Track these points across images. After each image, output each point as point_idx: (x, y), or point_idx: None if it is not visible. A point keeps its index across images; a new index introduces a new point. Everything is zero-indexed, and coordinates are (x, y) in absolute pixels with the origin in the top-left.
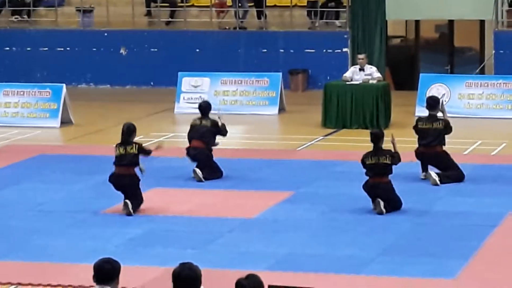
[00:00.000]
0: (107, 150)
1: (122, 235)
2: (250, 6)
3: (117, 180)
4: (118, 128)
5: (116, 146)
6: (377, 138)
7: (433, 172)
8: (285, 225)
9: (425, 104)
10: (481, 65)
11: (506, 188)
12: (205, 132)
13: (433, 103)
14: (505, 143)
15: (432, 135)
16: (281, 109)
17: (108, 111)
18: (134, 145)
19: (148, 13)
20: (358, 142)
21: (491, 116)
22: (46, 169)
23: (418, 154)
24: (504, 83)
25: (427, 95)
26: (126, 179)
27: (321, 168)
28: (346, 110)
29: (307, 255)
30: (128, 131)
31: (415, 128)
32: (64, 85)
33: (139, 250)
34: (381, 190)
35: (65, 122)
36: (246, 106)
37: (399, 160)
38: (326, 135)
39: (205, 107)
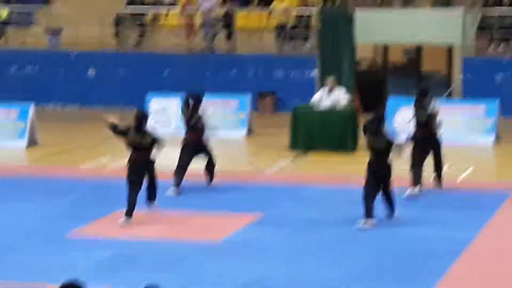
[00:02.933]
0: (74, 171)
1: (89, 258)
2: (219, 29)
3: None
4: (85, 149)
5: (129, 133)
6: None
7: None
8: (253, 247)
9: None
10: (449, 90)
11: (472, 213)
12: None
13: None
14: (472, 168)
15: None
16: (250, 132)
17: (75, 132)
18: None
19: (117, 35)
20: (325, 164)
21: (459, 140)
22: (13, 190)
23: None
24: (471, 108)
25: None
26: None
27: (288, 190)
28: (314, 132)
29: (274, 279)
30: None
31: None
32: (32, 105)
33: (106, 273)
34: None
35: (32, 142)
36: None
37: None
38: (294, 158)
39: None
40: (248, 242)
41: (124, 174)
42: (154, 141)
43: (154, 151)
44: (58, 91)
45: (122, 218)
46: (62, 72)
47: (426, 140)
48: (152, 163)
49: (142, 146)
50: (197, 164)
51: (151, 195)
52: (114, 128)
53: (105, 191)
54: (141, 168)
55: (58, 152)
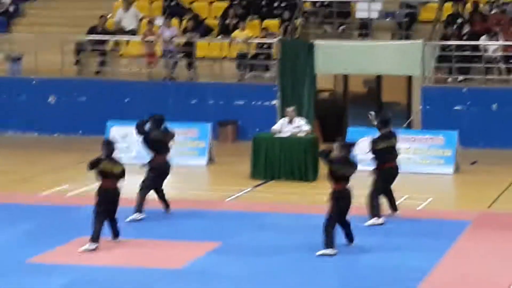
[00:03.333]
0: (32, 198)
1: (46, 285)
2: (180, 57)
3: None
4: (43, 176)
5: (100, 161)
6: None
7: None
8: (212, 275)
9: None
10: (408, 120)
11: (431, 242)
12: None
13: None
14: (431, 198)
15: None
16: (210, 160)
17: (34, 159)
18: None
19: (77, 62)
20: (286, 194)
21: (418, 170)
22: None
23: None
24: (430, 138)
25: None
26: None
27: (249, 219)
28: (275, 162)
29: None
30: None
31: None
32: None
33: None
34: None
35: None
36: (175, 156)
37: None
38: (254, 187)
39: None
40: (208, 270)
41: (84, 201)
42: (123, 170)
43: (121, 180)
44: (17, 118)
45: (87, 244)
46: (22, 99)
47: (392, 170)
48: (119, 192)
49: (113, 174)
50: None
51: (116, 231)
52: (92, 165)
53: (65, 218)
54: (110, 196)
55: (17, 179)
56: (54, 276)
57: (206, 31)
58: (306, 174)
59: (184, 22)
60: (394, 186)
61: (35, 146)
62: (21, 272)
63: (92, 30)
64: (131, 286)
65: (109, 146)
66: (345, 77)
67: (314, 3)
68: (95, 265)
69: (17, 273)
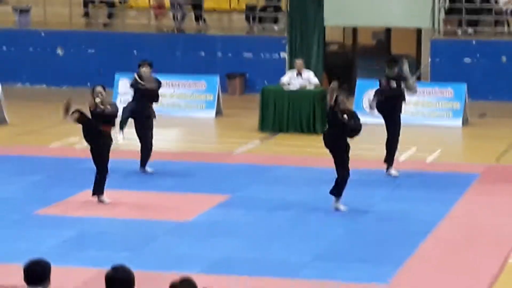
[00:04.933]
0: (41, 150)
1: (55, 237)
2: (188, 9)
3: None
4: (53, 129)
5: None
6: None
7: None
8: (220, 228)
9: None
10: (417, 72)
11: (440, 195)
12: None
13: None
14: (440, 150)
15: None
16: (218, 113)
17: (43, 111)
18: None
19: (86, 14)
20: (295, 146)
21: (427, 123)
22: None
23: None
24: (439, 91)
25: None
26: None
27: (257, 172)
28: (283, 114)
29: (242, 259)
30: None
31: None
32: None
33: (72, 252)
34: None
35: (0, 122)
36: (183, 109)
37: None
38: (263, 139)
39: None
40: (216, 223)
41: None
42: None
43: None
44: (26, 70)
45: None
46: (30, 51)
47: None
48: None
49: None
50: (168, 143)
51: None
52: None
53: (73, 170)
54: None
55: (27, 131)
56: (62, 228)
57: None
58: (315, 126)
59: None
60: (403, 138)
61: (44, 98)
62: (29, 224)
63: None
64: (139, 238)
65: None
66: (354, 30)
67: None
68: (103, 217)
69: (24, 225)
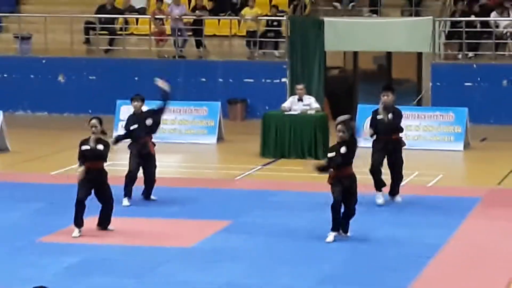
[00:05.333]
0: (44, 178)
1: (58, 264)
2: (189, 35)
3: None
4: (55, 155)
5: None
6: None
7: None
8: (223, 254)
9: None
10: (419, 97)
11: (442, 219)
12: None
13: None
14: (442, 174)
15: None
16: (220, 138)
17: (45, 138)
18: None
19: (87, 41)
20: (296, 172)
21: (428, 147)
22: None
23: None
24: (441, 115)
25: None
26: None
27: (259, 197)
28: (285, 140)
29: (245, 285)
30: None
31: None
32: (0, 112)
33: (75, 279)
34: None
35: (1, 149)
36: (184, 135)
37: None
38: (264, 165)
39: None
40: (218, 249)
41: None
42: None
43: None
44: (27, 97)
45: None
46: (31, 79)
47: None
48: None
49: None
50: (169, 169)
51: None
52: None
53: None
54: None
55: (28, 158)
56: (65, 255)
57: (215, 9)
58: (316, 152)
59: (193, 0)
60: (405, 162)
61: (45, 125)
62: (32, 251)
63: (101, 9)
64: (143, 265)
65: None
66: (355, 54)
67: None
68: (106, 244)
69: (28, 252)
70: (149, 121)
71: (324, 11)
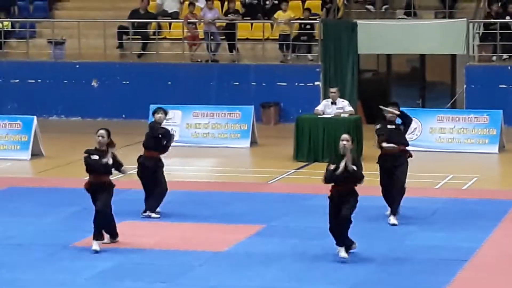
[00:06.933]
0: (77, 182)
1: (91, 268)
2: (222, 39)
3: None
4: None
5: None
6: None
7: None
8: (256, 258)
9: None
10: (453, 99)
11: (477, 222)
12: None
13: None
14: (477, 177)
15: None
16: (253, 142)
17: (79, 143)
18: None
19: (120, 46)
20: None
21: (462, 150)
22: (16, 201)
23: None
24: (475, 117)
25: None
26: None
27: (292, 201)
28: (318, 143)
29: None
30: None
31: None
32: (35, 117)
33: (108, 283)
34: None
35: (36, 154)
36: (218, 139)
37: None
38: (297, 169)
39: None
40: (252, 253)
41: (127, 185)
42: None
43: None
44: (61, 102)
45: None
46: (65, 84)
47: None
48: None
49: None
50: (203, 174)
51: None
52: None
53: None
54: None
55: (62, 163)
56: (98, 260)
57: (248, 13)
58: None
59: (226, 3)
60: (440, 165)
61: (79, 130)
62: (66, 256)
63: (134, 13)
64: (175, 269)
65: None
66: (388, 57)
67: None
68: (138, 248)
69: (61, 257)
70: (163, 141)
71: (357, 13)
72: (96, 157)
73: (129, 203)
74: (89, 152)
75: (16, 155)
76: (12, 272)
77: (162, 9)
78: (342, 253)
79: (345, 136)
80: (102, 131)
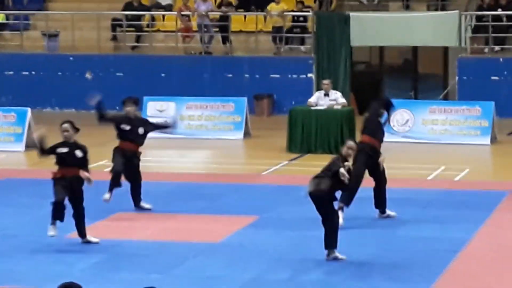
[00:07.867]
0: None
1: (87, 260)
2: (215, 31)
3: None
4: None
5: None
6: None
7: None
8: (250, 249)
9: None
10: (445, 91)
11: (469, 213)
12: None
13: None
14: (468, 169)
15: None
16: (246, 134)
17: None
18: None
19: (114, 38)
20: (323, 167)
21: (455, 141)
22: (11, 193)
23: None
24: (467, 109)
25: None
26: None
27: (285, 192)
28: (311, 135)
29: (272, 280)
30: None
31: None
32: (29, 109)
33: (104, 274)
34: None
35: (30, 146)
36: (211, 130)
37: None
38: (291, 160)
39: None
40: (245, 244)
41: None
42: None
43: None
44: (55, 94)
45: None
46: (59, 76)
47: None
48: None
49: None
50: (196, 165)
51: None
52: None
53: (104, 193)
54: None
55: None
56: (93, 251)
57: (241, 5)
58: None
59: None
60: (432, 157)
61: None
62: (62, 247)
63: (128, 6)
64: (170, 260)
65: None
66: (381, 49)
67: None
68: (133, 239)
69: (58, 248)
70: (141, 130)
71: (350, 6)
72: (64, 149)
73: (123, 194)
74: (56, 146)
75: (10, 147)
76: (6, 263)
77: (156, 1)
78: (338, 255)
79: (352, 144)
80: (66, 125)
